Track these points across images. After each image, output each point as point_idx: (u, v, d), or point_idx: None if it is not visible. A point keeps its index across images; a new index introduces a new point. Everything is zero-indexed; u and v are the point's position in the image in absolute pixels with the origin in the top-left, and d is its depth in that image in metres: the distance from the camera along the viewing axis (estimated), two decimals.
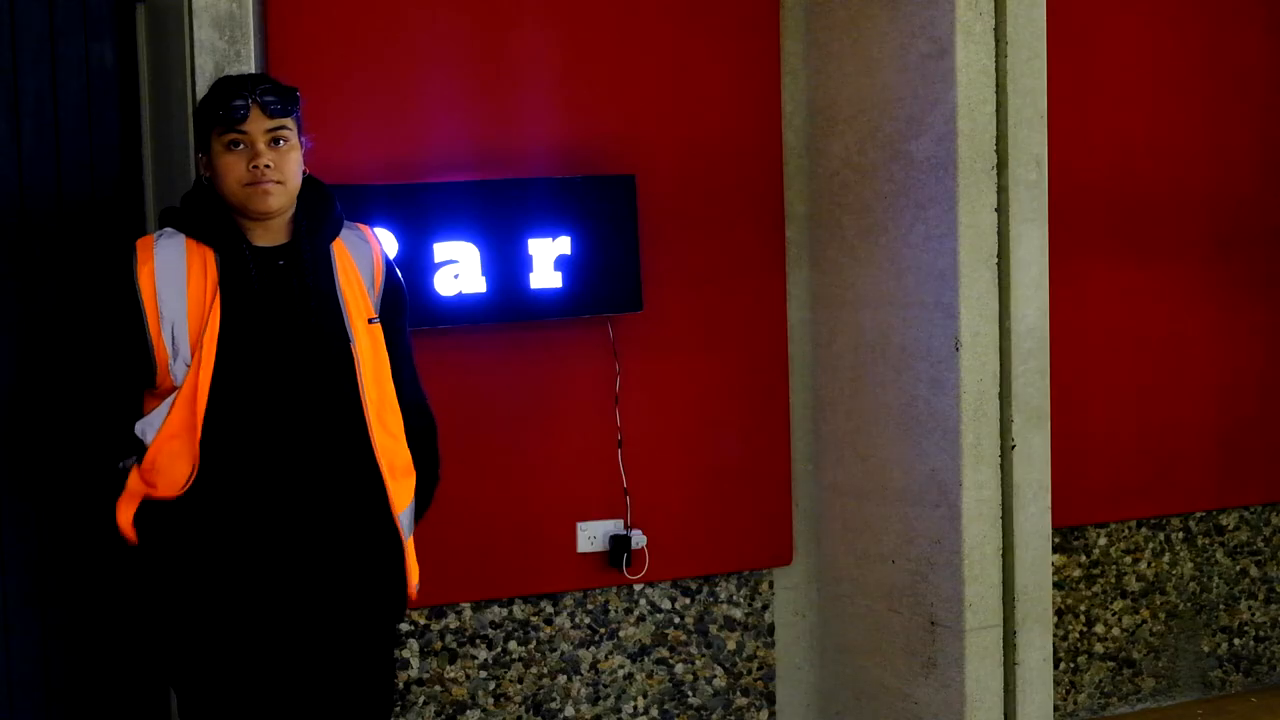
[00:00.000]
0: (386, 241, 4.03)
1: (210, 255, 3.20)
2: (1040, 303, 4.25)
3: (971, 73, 4.14)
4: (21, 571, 3.82)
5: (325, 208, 3.30)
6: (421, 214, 4.12)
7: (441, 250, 4.13)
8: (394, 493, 3.28)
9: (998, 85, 4.18)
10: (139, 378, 3.20)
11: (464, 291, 4.16)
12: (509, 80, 4.32)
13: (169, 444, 3.16)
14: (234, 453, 3.17)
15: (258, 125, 3.19)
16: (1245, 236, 5.14)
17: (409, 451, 3.33)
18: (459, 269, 4.14)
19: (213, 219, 3.23)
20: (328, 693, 3.27)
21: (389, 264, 3.39)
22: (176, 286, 3.17)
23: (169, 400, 3.16)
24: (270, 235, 3.25)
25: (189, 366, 3.15)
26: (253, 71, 3.69)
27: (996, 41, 4.18)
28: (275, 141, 3.20)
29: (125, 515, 3.19)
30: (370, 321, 3.28)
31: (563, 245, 4.26)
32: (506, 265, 4.20)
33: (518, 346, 4.33)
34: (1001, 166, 4.19)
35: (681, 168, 4.51)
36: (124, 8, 3.88)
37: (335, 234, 3.31)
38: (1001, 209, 4.20)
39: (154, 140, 3.89)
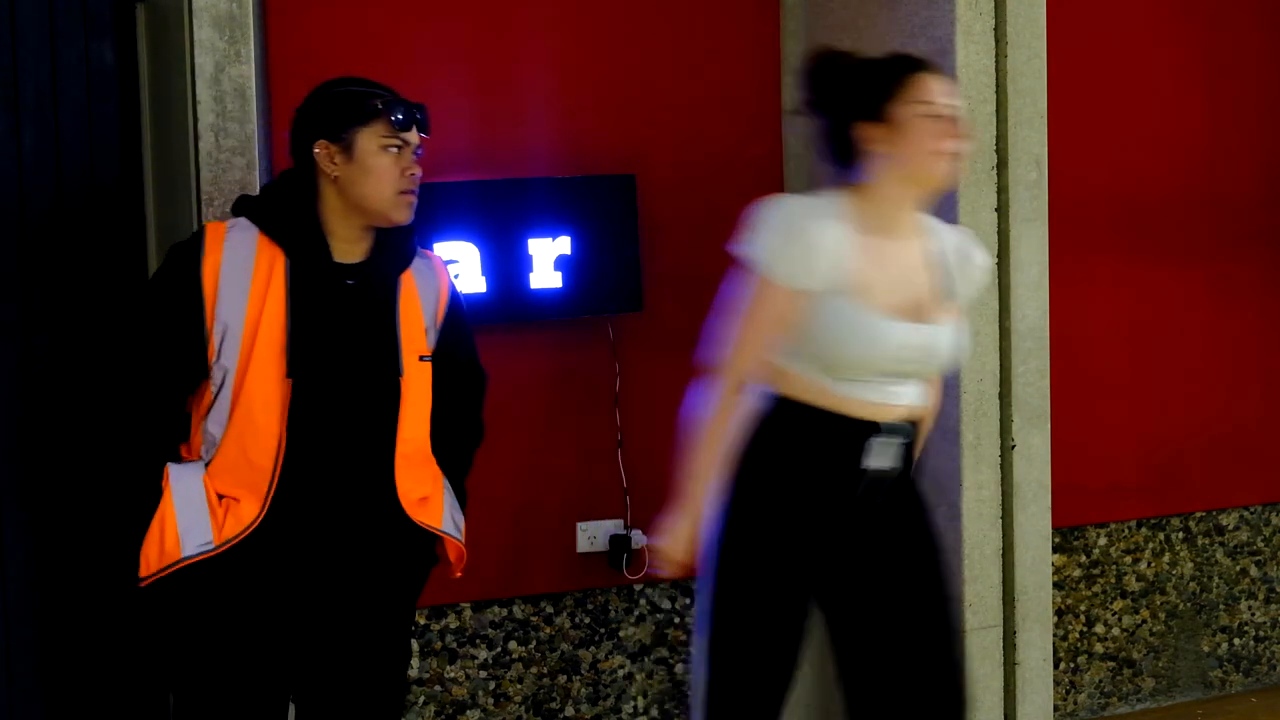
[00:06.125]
0: None
1: (280, 260, 3.04)
2: (1040, 303, 4.25)
3: (971, 73, 4.14)
4: (24, 574, 3.82)
5: (404, 234, 3.20)
6: (421, 214, 4.06)
7: (441, 250, 4.13)
8: (422, 516, 3.18)
9: (998, 85, 4.18)
10: (191, 376, 3.02)
11: (464, 292, 4.15)
12: (509, 80, 4.32)
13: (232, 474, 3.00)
14: (287, 483, 3.02)
15: (414, 136, 3.14)
16: (1245, 236, 5.14)
17: (440, 470, 3.25)
18: (459, 269, 4.14)
19: (299, 222, 3.06)
20: (340, 696, 3.22)
21: (454, 295, 3.29)
22: (240, 286, 3.00)
23: (221, 419, 3.01)
24: (353, 251, 3.11)
25: (233, 376, 2.98)
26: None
27: (996, 41, 4.18)
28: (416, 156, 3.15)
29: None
30: (421, 359, 3.16)
31: (563, 245, 4.26)
32: (506, 265, 4.20)
33: (518, 347, 4.33)
34: (1001, 166, 4.19)
35: (681, 168, 4.50)
36: (124, 8, 3.88)
37: (408, 264, 3.20)
38: (1001, 209, 4.20)
39: (154, 140, 3.89)
